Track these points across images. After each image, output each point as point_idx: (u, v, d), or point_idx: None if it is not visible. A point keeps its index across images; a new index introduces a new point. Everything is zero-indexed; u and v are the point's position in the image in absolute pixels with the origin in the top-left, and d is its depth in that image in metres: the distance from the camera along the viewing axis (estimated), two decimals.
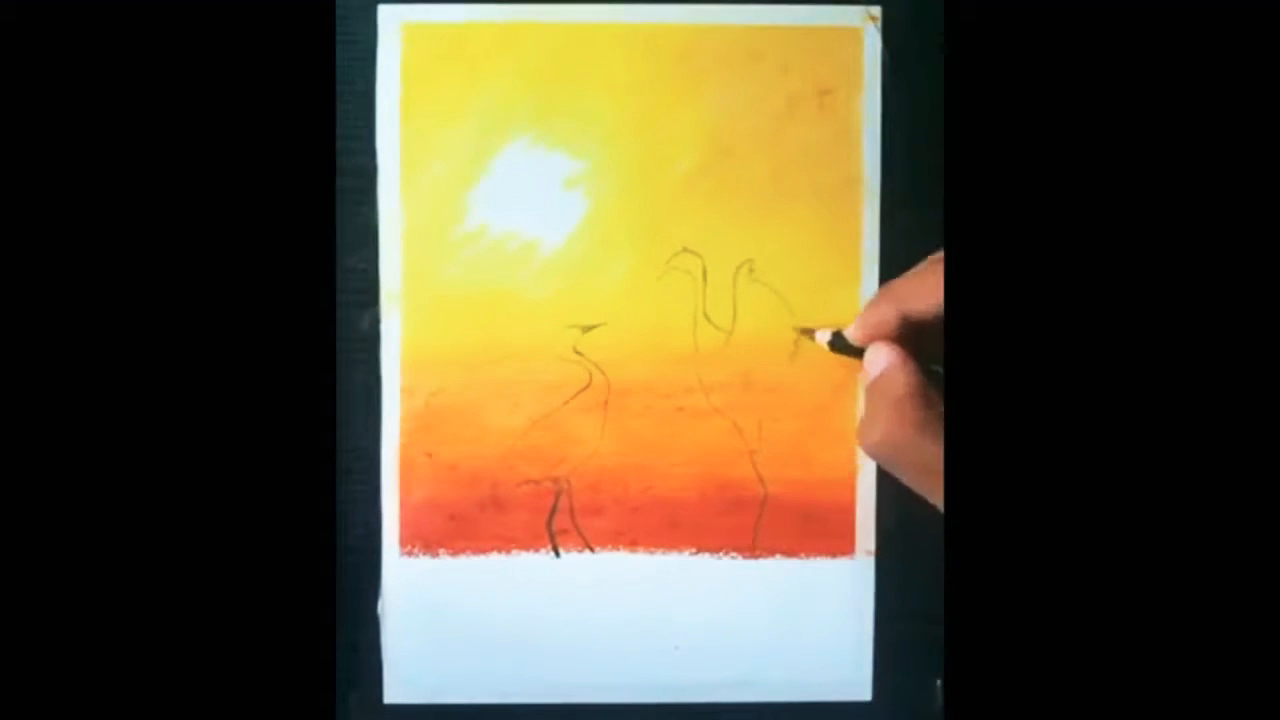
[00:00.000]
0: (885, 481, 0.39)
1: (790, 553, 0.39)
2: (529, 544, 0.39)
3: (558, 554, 0.39)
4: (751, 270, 0.39)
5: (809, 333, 0.38)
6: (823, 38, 0.39)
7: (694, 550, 0.39)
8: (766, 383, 0.39)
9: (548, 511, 0.39)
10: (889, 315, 0.34)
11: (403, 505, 0.39)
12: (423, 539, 0.39)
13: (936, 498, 0.32)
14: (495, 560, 0.39)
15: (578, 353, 0.39)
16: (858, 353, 0.35)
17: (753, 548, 0.39)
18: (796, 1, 0.39)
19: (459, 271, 0.39)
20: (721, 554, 0.39)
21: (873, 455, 0.33)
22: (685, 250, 0.39)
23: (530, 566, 0.39)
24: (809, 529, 0.39)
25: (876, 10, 0.39)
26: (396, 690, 0.39)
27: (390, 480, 0.39)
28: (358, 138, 0.39)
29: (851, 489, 0.39)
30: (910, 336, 0.34)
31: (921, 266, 0.34)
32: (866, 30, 0.39)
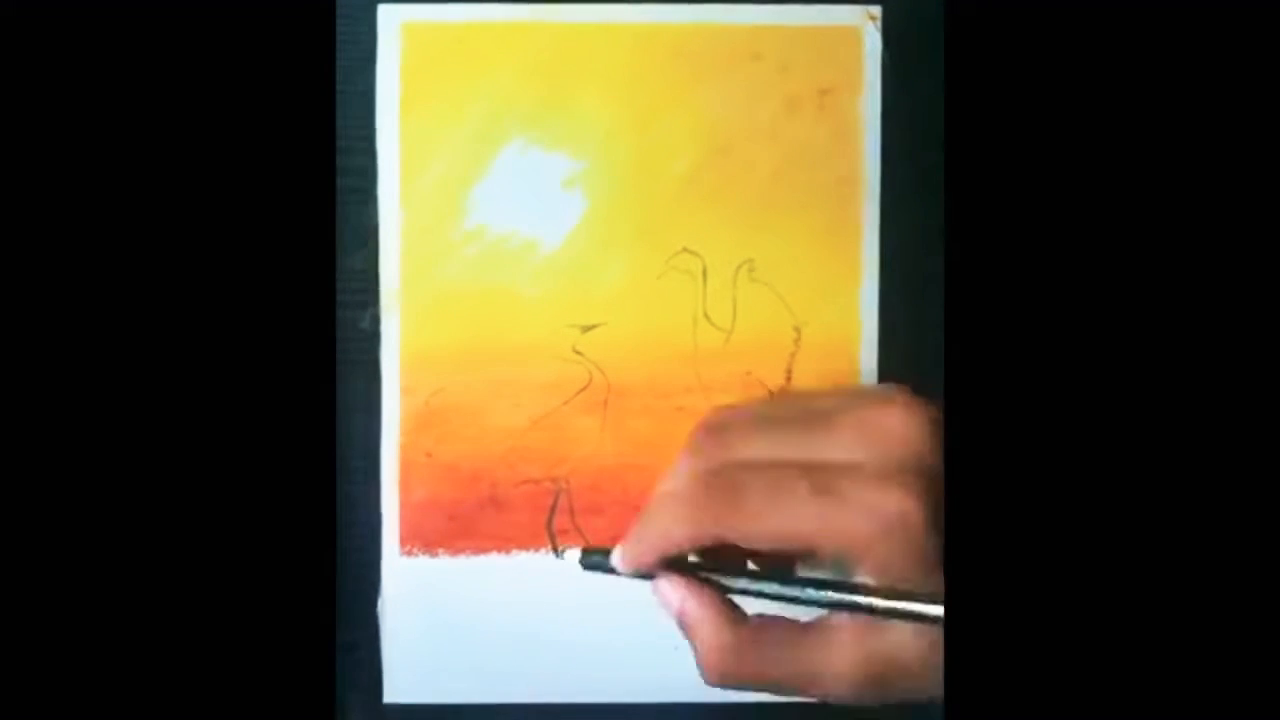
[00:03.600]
0: None
1: None
2: (529, 544, 0.39)
3: (558, 554, 0.39)
4: (751, 270, 0.39)
5: (559, 549, 0.32)
6: (822, 38, 0.39)
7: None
8: (766, 383, 0.39)
9: (547, 511, 0.39)
10: (653, 552, 0.28)
11: (402, 505, 0.39)
12: (422, 539, 0.39)
13: (816, 694, 0.27)
14: (495, 560, 0.39)
15: (577, 352, 0.39)
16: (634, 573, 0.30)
17: None
18: (796, 1, 0.39)
19: (459, 271, 0.39)
20: None
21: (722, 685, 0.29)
22: (685, 250, 0.39)
23: (530, 566, 0.39)
24: None
25: (876, 10, 0.39)
26: (396, 690, 0.39)
27: (390, 480, 0.39)
28: (358, 138, 0.39)
29: None
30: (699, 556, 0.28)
31: (674, 487, 0.28)
32: (866, 30, 0.39)
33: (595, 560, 0.31)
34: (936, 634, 0.25)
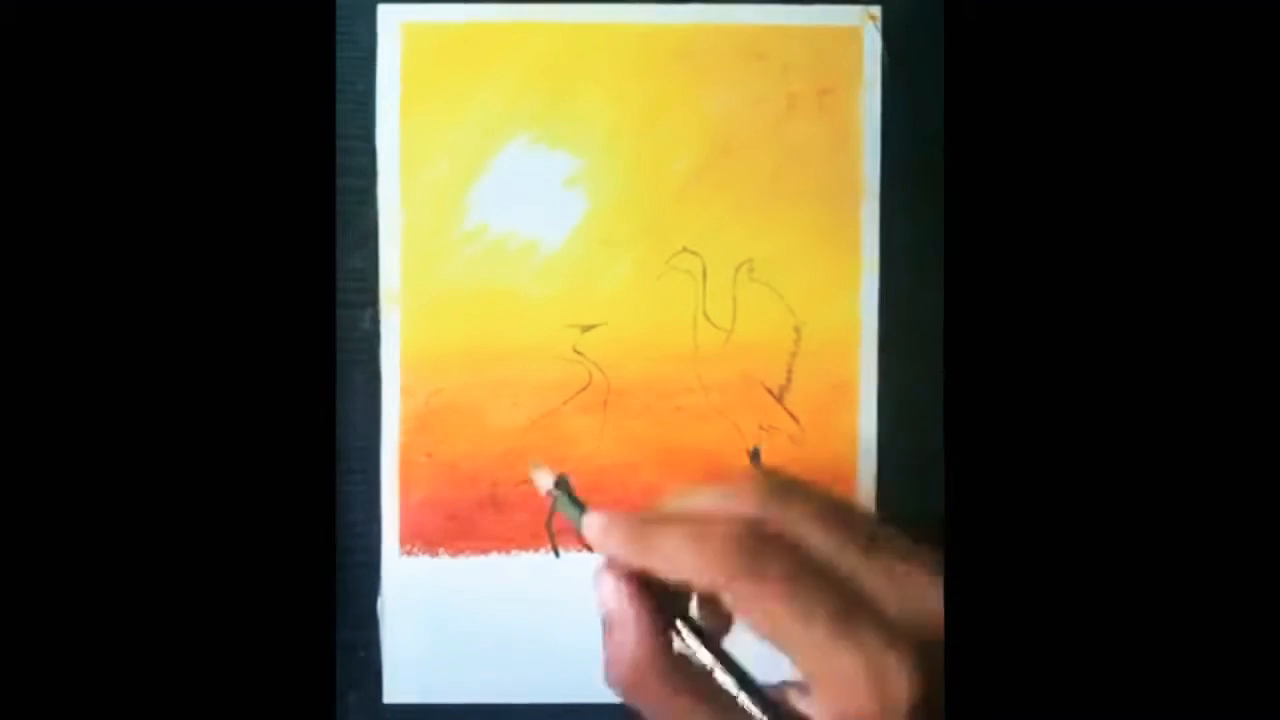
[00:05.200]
0: (885, 480, 0.39)
1: None
2: (529, 544, 0.39)
3: (557, 554, 0.39)
4: (751, 270, 0.39)
5: (536, 469, 0.30)
6: (823, 37, 0.39)
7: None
8: (766, 383, 0.39)
9: (547, 511, 0.39)
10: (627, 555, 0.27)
11: (403, 505, 0.39)
12: (423, 539, 0.39)
13: None
14: (495, 560, 0.39)
15: (577, 352, 0.39)
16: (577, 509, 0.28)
17: None
18: (796, 1, 0.39)
19: (459, 271, 0.39)
20: None
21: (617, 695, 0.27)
22: (685, 250, 0.39)
23: (530, 566, 0.39)
24: None
25: (876, 10, 0.39)
26: (396, 690, 0.39)
27: (390, 480, 0.39)
28: (358, 138, 0.39)
29: (851, 488, 0.39)
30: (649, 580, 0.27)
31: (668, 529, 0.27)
32: (866, 30, 0.39)
33: (566, 504, 0.29)
34: None
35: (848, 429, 0.39)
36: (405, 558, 0.39)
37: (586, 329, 0.39)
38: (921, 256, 0.39)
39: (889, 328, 0.39)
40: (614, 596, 0.27)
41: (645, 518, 0.27)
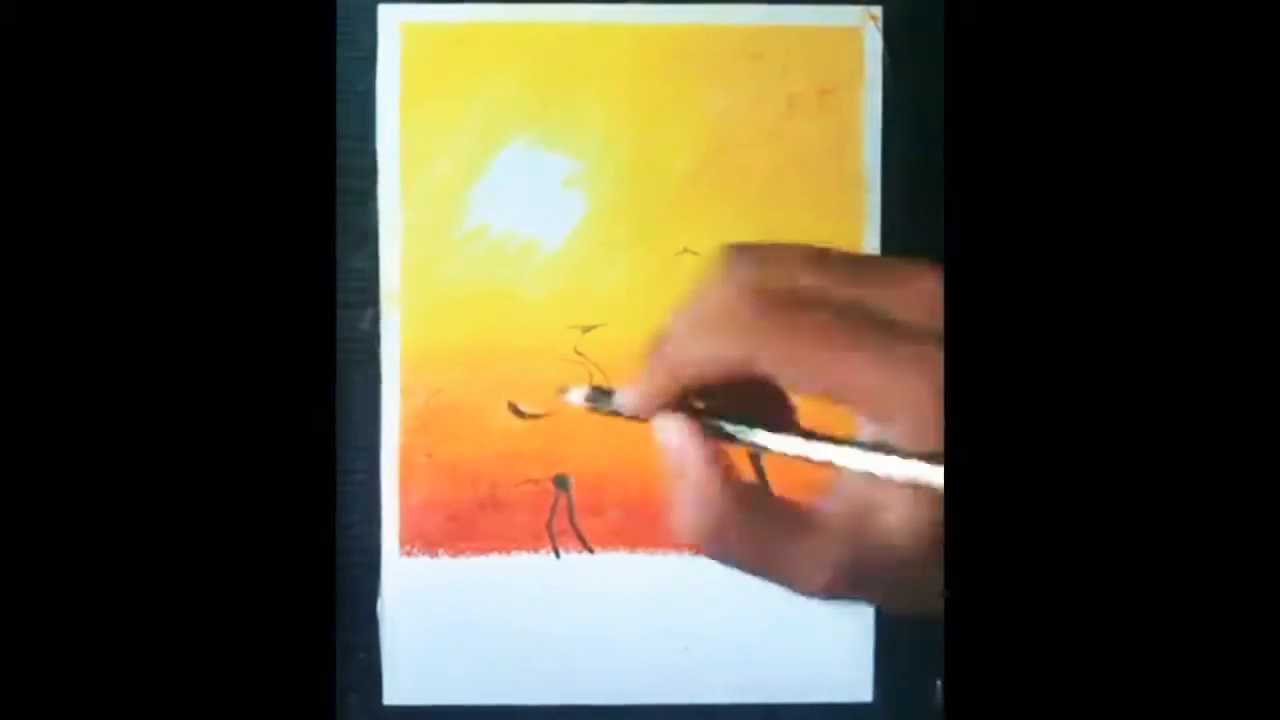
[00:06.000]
0: None
1: None
2: (529, 544, 0.39)
3: (557, 554, 0.39)
4: None
5: (564, 390, 0.29)
6: (823, 37, 0.39)
7: (693, 551, 0.39)
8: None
9: (547, 512, 0.39)
10: (668, 384, 0.26)
11: (402, 505, 0.39)
12: (422, 539, 0.39)
13: (783, 580, 0.26)
14: (495, 560, 0.39)
15: (578, 353, 0.39)
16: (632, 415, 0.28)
17: None
18: (797, 1, 0.39)
19: (459, 271, 0.39)
20: None
21: (690, 547, 0.27)
22: (685, 250, 0.39)
23: (530, 567, 0.39)
24: None
25: (877, 10, 0.39)
26: (396, 691, 0.39)
27: (390, 480, 0.39)
28: (358, 138, 0.38)
29: None
30: (706, 396, 0.26)
31: (690, 312, 0.26)
32: (867, 30, 0.39)
33: (600, 399, 0.28)
34: (929, 521, 0.24)
35: (847, 429, 0.39)
36: (405, 558, 0.39)
37: (587, 329, 0.39)
38: (922, 257, 0.39)
39: None
40: (677, 435, 0.26)
41: (658, 345, 0.26)
